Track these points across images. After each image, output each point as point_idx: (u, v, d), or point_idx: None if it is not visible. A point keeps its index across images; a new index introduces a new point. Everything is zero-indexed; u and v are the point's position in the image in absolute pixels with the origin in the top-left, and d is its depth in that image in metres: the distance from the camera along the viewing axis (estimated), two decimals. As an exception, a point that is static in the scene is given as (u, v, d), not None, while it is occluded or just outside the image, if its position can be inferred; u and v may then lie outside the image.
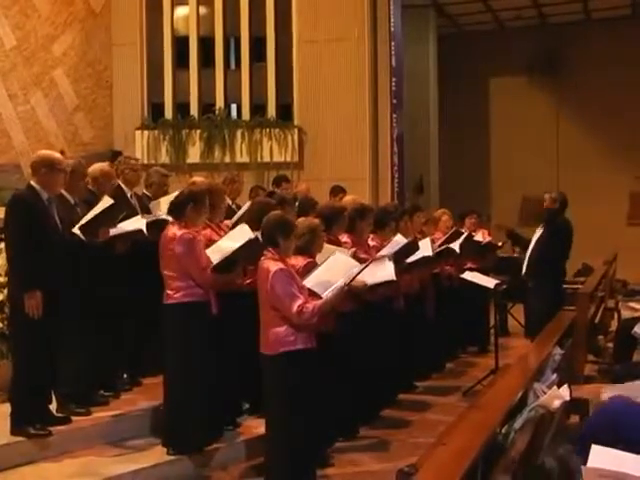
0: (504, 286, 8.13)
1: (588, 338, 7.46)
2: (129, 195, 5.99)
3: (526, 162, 15.42)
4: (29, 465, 4.80)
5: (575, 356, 6.69)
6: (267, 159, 11.59)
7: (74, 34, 11.29)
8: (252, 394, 5.51)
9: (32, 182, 5.02)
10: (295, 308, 4.37)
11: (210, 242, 5.21)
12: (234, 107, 12.16)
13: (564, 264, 8.19)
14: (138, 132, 11.78)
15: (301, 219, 4.99)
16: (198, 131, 11.75)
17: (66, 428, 5.10)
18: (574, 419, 4.56)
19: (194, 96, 12.00)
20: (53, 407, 5.24)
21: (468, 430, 2.97)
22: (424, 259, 6.60)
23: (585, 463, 2.55)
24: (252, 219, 5.24)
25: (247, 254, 5.01)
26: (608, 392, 3.86)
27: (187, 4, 12.03)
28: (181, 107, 12.03)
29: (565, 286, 8.77)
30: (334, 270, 4.64)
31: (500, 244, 9.38)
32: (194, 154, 11.74)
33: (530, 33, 15.61)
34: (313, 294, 4.55)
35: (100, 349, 5.53)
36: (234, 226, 5.46)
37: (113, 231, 5.39)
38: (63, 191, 5.24)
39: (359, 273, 4.71)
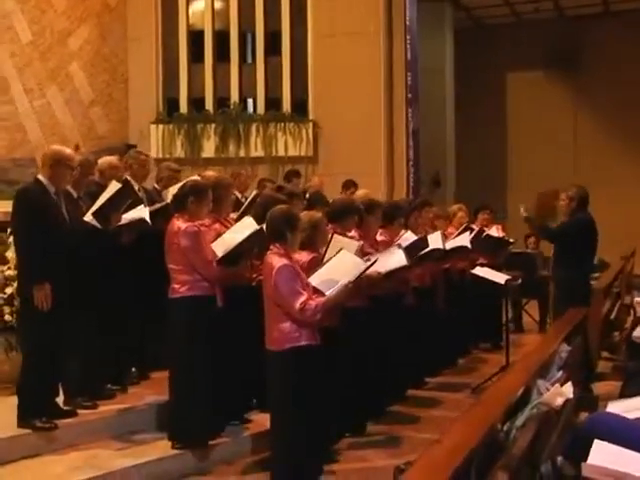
0: (517, 282, 8.04)
1: (603, 334, 7.38)
2: (137, 188, 5.98)
3: (543, 156, 15.30)
4: (35, 458, 4.80)
5: (588, 352, 6.62)
6: (282, 153, 11.60)
7: (90, 28, 11.34)
8: (258, 389, 5.49)
9: (40, 176, 5.04)
10: (298, 305, 4.35)
11: (219, 236, 5.20)
12: (249, 101, 12.16)
13: (586, 260, 7.86)
14: (153, 126, 11.82)
15: (303, 213, 4.97)
16: (213, 125, 11.78)
17: (72, 421, 5.10)
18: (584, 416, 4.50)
19: (209, 90, 12.03)
20: (60, 400, 5.25)
21: (465, 427, 2.94)
22: (435, 251, 6.56)
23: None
24: (257, 213, 5.21)
25: (252, 246, 5.00)
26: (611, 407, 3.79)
27: (202, -2, 12.06)
28: (196, 101, 12.08)
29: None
30: (339, 268, 4.62)
31: (513, 240, 9.29)
32: (209, 148, 11.77)
33: (547, 26, 15.48)
34: (318, 291, 4.53)
35: (108, 342, 5.54)
36: (239, 218, 5.45)
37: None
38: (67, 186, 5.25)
39: (365, 271, 4.70)
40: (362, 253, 5.26)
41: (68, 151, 5.14)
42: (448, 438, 2.81)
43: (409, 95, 11.65)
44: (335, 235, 5.40)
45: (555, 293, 8.10)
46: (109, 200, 5.19)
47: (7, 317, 5.85)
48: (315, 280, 4.58)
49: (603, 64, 15.14)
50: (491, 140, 15.84)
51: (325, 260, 4.88)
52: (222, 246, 4.98)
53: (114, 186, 5.27)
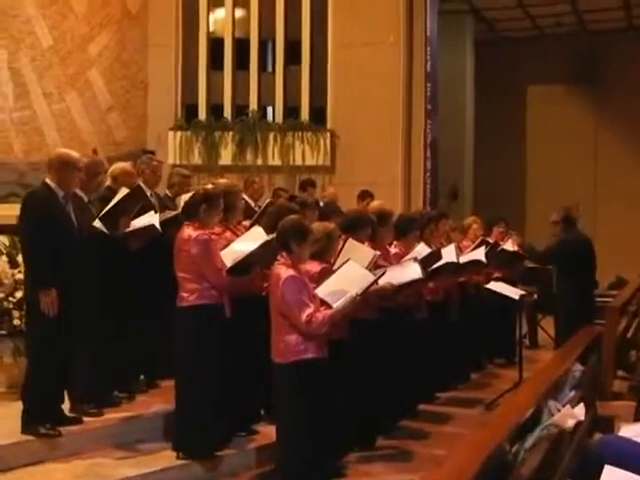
0: (532, 297, 7.93)
1: (619, 353, 7.25)
2: (149, 194, 5.95)
3: (563, 170, 15.14)
4: (38, 465, 4.76)
5: (603, 372, 6.49)
6: (299, 162, 11.51)
7: (110, 35, 11.35)
8: (266, 400, 5.43)
9: (47, 180, 5.01)
10: (304, 317, 4.30)
11: (229, 244, 5.15)
12: (268, 110, 12.13)
13: (583, 279, 7.85)
14: (171, 133, 11.78)
15: (316, 224, 4.91)
16: (231, 133, 11.71)
17: (76, 429, 5.06)
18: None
19: (228, 98, 11.99)
20: (66, 407, 5.21)
21: (468, 450, 2.85)
22: (449, 265, 6.49)
23: None
24: (268, 223, 5.16)
25: (263, 256, 4.94)
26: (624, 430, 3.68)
27: (223, 6, 12.03)
28: (215, 109, 12.02)
29: (598, 299, 8.54)
30: (347, 279, 4.55)
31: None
32: (226, 156, 11.71)
33: (569, 40, 15.34)
34: (325, 302, 4.46)
35: (115, 349, 5.50)
36: (250, 227, 5.41)
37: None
38: (77, 190, 5.21)
39: (374, 282, 4.63)
40: (374, 265, 5.19)
41: (74, 154, 5.10)
42: (450, 461, 2.73)
43: (428, 106, 11.57)
44: (350, 240, 5.32)
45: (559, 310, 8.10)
46: (116, 205, 5.15)
47: (16, 322, 5.82)
48: (322, 292, 4.52)
49: (625, 79, 14.98)
50: (510, 153, 15.70)
51: (333, 270, 4.81)
52: (231, 255, 4.93)
53: (123, 192, 5.24)
